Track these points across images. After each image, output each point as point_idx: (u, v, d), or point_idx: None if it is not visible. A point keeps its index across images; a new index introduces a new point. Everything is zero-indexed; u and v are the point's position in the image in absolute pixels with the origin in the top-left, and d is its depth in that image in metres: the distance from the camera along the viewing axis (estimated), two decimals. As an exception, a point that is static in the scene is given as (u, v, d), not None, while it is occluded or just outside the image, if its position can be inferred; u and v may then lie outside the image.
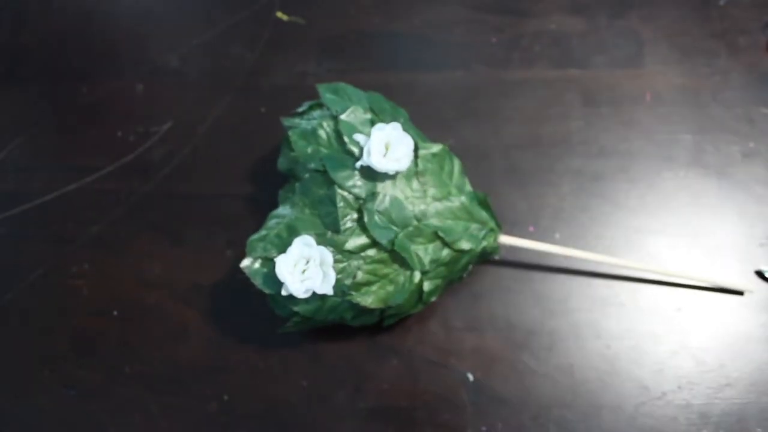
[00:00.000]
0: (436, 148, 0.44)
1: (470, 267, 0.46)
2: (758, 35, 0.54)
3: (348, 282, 0.41)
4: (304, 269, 0.40)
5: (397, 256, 0.42)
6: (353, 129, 0.43)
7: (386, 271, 0.42)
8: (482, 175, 0.50)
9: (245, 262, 0.42)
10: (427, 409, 0.44)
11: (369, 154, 0.41)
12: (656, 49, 0.54)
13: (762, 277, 0.43)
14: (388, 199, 0.42)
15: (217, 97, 0.56)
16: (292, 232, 0.42)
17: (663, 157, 0.50)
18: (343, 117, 0.43)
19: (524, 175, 0.50)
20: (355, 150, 0.42)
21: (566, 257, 0.47)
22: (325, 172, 0.42)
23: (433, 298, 0.44)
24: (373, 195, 0.42)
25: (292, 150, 0.44)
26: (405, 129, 0.43)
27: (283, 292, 0.40)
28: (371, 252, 0.42)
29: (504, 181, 0.50)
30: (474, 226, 0.44)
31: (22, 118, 0.57)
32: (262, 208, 0.49)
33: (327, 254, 0.40)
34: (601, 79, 0.53)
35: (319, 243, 0.41)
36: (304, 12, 0.58)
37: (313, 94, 0.46)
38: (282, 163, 0.46)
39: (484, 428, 0.44)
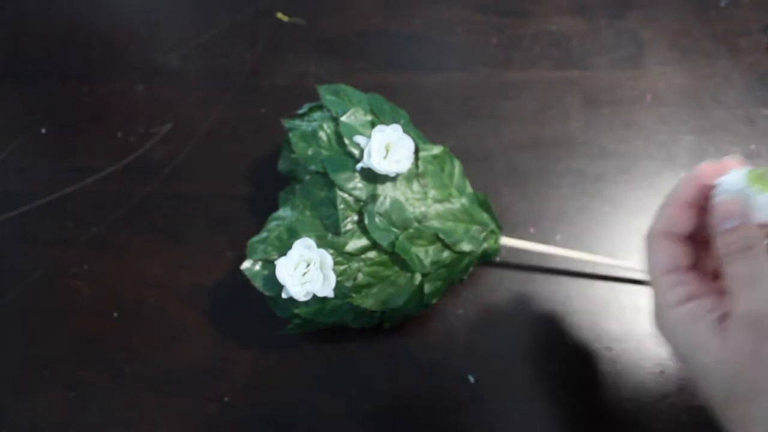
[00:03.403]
0: (436, 149, 0.44)
1: (471, 269, 0.46)
2: (759, 36, 0.53)
3: (348, 284, 0.41)
4: (305, 272, 0.40)
5: (397, 258, 0.42)
6: (354, 131, 0.43)
7: (387, 273, 0.42)
8: (483, 176, 0.50)
9: (246, 264, 0.42)
10: (427, 410, 0.45)
11: (369, 155, 0.41)
12: (656, 49, 0.54)
13: None
14: (388, 201, 0.42)
15: (217, 97, 0.56)
16: (293, 234, 0.42)
17: (664, 158, 0.50)
18: (343, 119, 0.43)
19: (525, 176, 0.50)
20: (356, 152, 0.42)
21: (567, 259, 0.47)
22: (325, 174, 0.42)
23: (434, 300, 0.44)
24: (373, 197, 0.42)
25: (293, 152, 0.44)
26: (405, 130, 0.43)
27: (284, 295, 0.40)
28: (372, 254, 0.42)
29: (504, 183, 0.50)
30: (475, 228, 0.44)
31: (22, 118, 0.57)
32: (262, 209, 0.49)
33: (327, 257, 0.40)
34: (602, 80, 0.53)
35: (319, 245, 0.41)
36: (304, 12, 0.58)
37: (314, 95, 0.46)
38: (282, 165, 0.46)
39: (484, 428, 0.44)
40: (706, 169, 0.34)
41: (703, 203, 0.34)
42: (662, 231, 0.34)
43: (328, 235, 0.42)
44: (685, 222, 0.34)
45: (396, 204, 0.42)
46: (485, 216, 0.45)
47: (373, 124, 0.43)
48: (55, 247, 0.51)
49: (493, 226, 0.45)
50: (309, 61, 0.56)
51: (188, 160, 0.53)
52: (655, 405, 0.43)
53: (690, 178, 0.34)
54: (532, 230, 0.49)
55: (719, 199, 0.32)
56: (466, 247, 0.43)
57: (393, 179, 0.42)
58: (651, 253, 0.34)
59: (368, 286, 0.41)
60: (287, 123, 0.45)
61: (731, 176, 0.32)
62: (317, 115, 0.45)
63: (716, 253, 0.32)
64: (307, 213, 0.43)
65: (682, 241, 0.34)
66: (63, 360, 0.48)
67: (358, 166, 0.42)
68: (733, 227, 0.31)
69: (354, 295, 0.41)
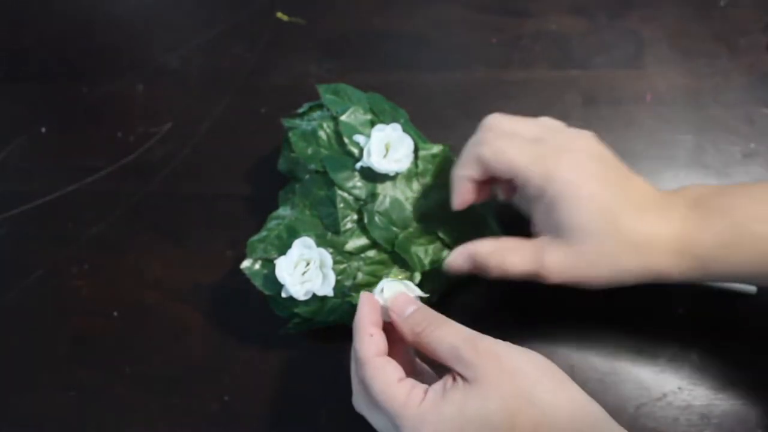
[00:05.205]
0: (436, 148, 0.44)
1: (470, 268, 0.46)
2: (759, 36, 0.53)
3: (348, 283, 0.41)
4: (304, 271, 0.40)
5: (397, 258, 0.42)
6: (353, 130, 0.43)
7: (386, 272, 0.42)
8: (482, 175, 0.50)
9: (245, 264, 0.42)
10: (427, 410, 0.44)
11: (369, 154, 0.41)
12: (656, 49, 0.54)
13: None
14: (388, 200, 0.42)
15: (217, 97, 0.56)
16: (292, 233, 0.42)
17: (663, 157, 0.50)
18: (343, 118, 0.43)
19: (524, 175, 0.50)
20: (355, 151, 0.42)
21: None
22: (325, 173, 0.42)
23: (434, 299, 0.44)
24: (373, 196, 0.42)
25: (293, 151, 0.44)
26: (405, 129, 0.43)
27: (283, 294, 0.40)
28: (371, 253, 0.42)
29: (504, 182, 0.50)
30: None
31: (22, 118, 0.57)
32: (262, 208, 0.49)
33: (327, 256, 0.40)
34: (602, 80, 0.53)
35: (319, 244, 0.41)
36: (304, 12, 0.58)
37: (314, 95, 0.46)
38: (282, 164, 0.46)
39: (484, 429, 0.43)
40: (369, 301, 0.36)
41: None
42: (372, 355, 0.34)
43: (328, 234, 0.42)
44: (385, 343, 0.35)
45: (396, 203, 0.42)
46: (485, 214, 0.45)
47: (372, 123, 0.43)
48: (55, 247, 0.52)
49: (493, 224, 0.45)
50: (309, 60, 0.56)
51: (188, 160, 0.53)
52: (654, 404, 0.43)
53: (366, 306, 0.35)
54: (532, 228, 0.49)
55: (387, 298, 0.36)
56: (465, 246, 0.43)
57: (393, 178, 0.42)
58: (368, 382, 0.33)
59: (368, 285, 0.41)
60: (287, 122, 0.46)
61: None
62: (317, 114, 0.45)
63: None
64: (307, 212, 0.43)
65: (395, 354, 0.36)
66: (63, 360, 0.48)
67: (358, 165, 0.42)
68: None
69: (354, 294, 0.41)
